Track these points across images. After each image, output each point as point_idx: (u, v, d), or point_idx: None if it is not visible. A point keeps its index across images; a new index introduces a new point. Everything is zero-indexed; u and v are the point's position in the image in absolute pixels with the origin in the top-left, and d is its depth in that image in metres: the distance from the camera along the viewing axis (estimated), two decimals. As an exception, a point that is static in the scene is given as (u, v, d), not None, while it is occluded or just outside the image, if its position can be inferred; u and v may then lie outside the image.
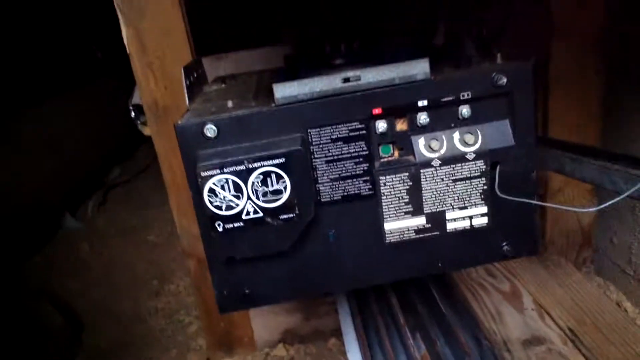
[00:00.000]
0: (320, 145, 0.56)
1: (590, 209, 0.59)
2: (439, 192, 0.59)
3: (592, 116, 1.00)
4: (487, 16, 1.00)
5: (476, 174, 0.58)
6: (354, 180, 0.58)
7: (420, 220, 0.60)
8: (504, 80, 0.55)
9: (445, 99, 0.55)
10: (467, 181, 0.58)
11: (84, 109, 1.98)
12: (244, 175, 0.54)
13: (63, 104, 1.91)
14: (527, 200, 0.57)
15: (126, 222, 1.77)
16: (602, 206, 0.56)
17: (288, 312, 1.10)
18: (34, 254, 1.61)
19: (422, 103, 0.55)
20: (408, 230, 0.60)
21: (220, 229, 0.56)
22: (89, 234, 1.72)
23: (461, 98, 0.56)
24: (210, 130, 0.54)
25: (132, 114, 1.01)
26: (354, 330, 0.97)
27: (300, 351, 1.08)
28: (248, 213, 0.55)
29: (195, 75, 0.70)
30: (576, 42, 0.95)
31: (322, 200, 0.58)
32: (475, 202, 0.59)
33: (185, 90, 0.63)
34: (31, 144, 1.67)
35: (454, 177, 0.58)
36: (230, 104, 0.58)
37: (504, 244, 0.61)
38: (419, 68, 0.55)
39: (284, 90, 0.55)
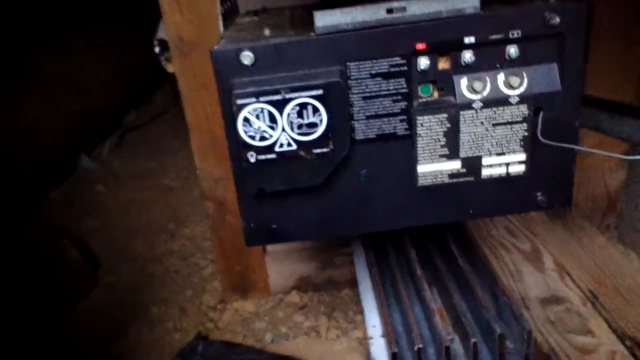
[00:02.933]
0: (359, 80, 0.54)
1: (631, 157, 0.57)
2: (477, 136, 0.57)
3: (631, 77, 0.97)
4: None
5: (518, 119, 0.56)
6: (391, 119, 0.56)
7: (455, 165, 0.58)
8: (557, 19, 0.52)
9: (494, 37, 0.53)
10: (507, 126, 0.56)
11: (103, 49, 1.95)
12: (280, 106, 0.52)
13: (82, 43, 1.88)
14: (570, 146, 0.55)
15: (142, 165, 1.77)
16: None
17: (303, 260, 1.10)
18: (50, 192, 1.62)
19: (469, 40, 0.53)
20: (442, 174, 0.59)
21: (252, 160, 0.54)
22: (104, 175, 1.72)
23: (510, 37, 0.53)
24: (247, 57, 0.52)
25: (156, 49, 0.98)
26: (369, 279, 0.97)
27: (313, 299, 1.09)
28: (282, 145, 0.54)
29: (228, 4, 0.67)
30: (624, -2, 0.91)
31: (357, 137, 0.57)
32: (514, 148, 0.58)
33: (219, 17, 0.60)
34: (49, 81, 1.65)
35: (494, 121, 0.56)
36: (267, 32, 0.56)
37: (539, 193, 0.60)
38: (469, 1, 0.52)
39: (325, 19, 0.52)
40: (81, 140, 1.78)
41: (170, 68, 0.97)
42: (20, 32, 1.76)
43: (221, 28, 0.61)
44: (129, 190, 1.61)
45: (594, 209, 1.07)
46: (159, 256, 1.27)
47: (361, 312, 1.01)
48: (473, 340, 0.74)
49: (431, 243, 0.99)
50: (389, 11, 0.52)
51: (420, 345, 0.75)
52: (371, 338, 0.85)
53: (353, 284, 1.08)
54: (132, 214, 1.47)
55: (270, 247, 1.08)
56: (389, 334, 0.80)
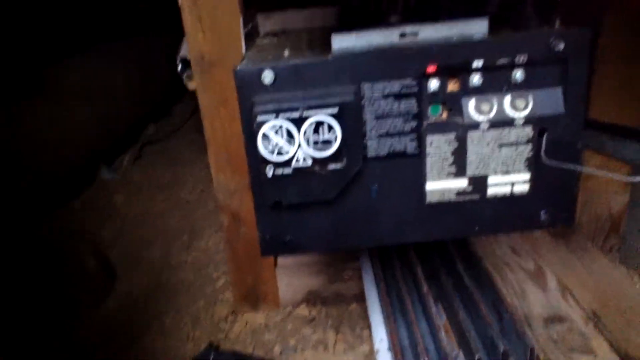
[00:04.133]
0: (372, 100, 0.58)
1: (636, 178, 0.59)
2: (483, 156, 0.60)
3: (635, 101, 0.99)
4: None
5: (523, 140, 0.59)
6: (401, 137, 0.59)
7: (462, 183, 0.61)
8: (562, 45, 0.55)
9: (501, 61, 0.56)
10: (513, 146, 0.59)
11: (125, 62, 2.01)
12: (298, 123, 0.56)
13: (105, 56, 1.94)
14: (573, 167, 0.58)
15: (160, 177, 1.81)
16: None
17: (313, 274, 1.12)
18: (71, 201, 1.66)
19: (477, 63, 0.56)
20: (449, 191, 0.62)
21: (270, 174, 0.58)
22: (123, 186, 1.76)
23: (516, 61, 0.56)
24: (267, 76, 0.56)
25: (179, 67, 1.03)
26: (377, 294, 0.99)
27: (322, 312, 1.11)
28: (298, 160, 0.57)
29: (250, 26, 0.71)
30: (629, 20, 0.93)
31: (369, 155, 0.60)
32: (518, 168, 0.60)
33: (242, 38, 0.64)
34: (72, 93, 1.70)
35: (500, 142, 0.59)
36: (286, 53, 0.60)
37: (542, 212, 0.62)
38: (478, 27, 0.55)
39: (341, 41, 0.56)
40: (102, 151, 1.83)
41: (191, 86, 1.02)
42: (45, 45, 1.82)
43: (243, 48, 0.64)
44: (146, 201, 1.65)
45: (597, 230, 1.09)
46: (173, 266, 1.30)
47: (368, 326, 1.03)
48: (477, 356, 0.76)
49: (437, 259, 1.01)
50: (402, 35, 0.56)
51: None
52: (378, 351, 0.87)
53: (361, 298, 1.10)
54: (148, 225, 1.51)
55: (280, 261, 1.10)
56: (396, 348, 0.82)
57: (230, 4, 0.89)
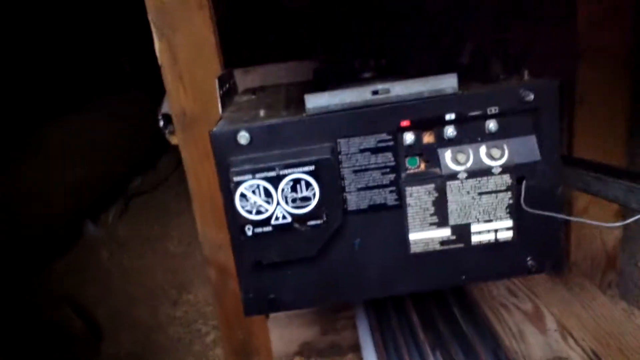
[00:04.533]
0: (349, 155, 0.58)
1: (616, 224, 0.59)
2: (464, 205, 0.60)
3: (618, 138, 1.00)
4: (513, 36, 1.02)
5: (502, 188, 0.59)
6: (381, 190, 0.59)
7: (445, 232, 0.61)
8: (531, 96, 0.56)
9: (473, 113, 0.57)
10: (492, 194, 0.59)
11: (109, 119, 2.02)
12: (275, 182, 0.56)
13: (89, 115, 1.96)
14: (552, 214, 0.57)
15: (146, 230, 1.79)
16: (628, 221, 0.56)
17: (306, 325, 1.10)
18: (55, 260, 1.64)
19: (450, 117, 0.57)
20: (433, 241, 0.61)
21: (249, 233, 0.57)
22: (109, 241, 1.74)
23: (488, 113, 0.57)
24: (243, 137, 0.56)
25: (161, 122, 1.04)
26: (372, 344, 0.97)
27: (317, 365, 1.08)
28: (277, 218, 0.57)
29: (227, 85, 0.72)
30: (603, 64, 0.96)
31: (349, 209, 0.59)
32: (500, 215, 0.60)
33: (218, 99, 0.65)
34: (56, 152, 1.71)
35: (479, 190, 0.59)
36: (262, 113, 0.60)
37: (529, 258, 0.62)
38: (448, 82, 0.56)
39: (315, 101, 0.56)
40: (86, 206, 1.81)
41: (173, 140, 1.02)
42: (27, 105, 1.83)
43: (220, 109, 0.65)
44: (133, 256, 1.63)
45: (594, 267, 1.08)
46: (161, 323, 1.27)
47: (365, 378, 1.00)
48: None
49: (433, 305, 1.00)
50: (375, 92, 0.56)
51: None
52: (375, 405, 0.85)
53: (357, 348, 1.07)
54: (135, 281, 1.48)
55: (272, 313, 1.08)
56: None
57: (210, 62, 0.90)
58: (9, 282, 1.42)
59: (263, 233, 0.57)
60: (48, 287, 1.48)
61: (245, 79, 0.99)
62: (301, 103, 0.57)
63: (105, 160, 1.90)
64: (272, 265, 0.59)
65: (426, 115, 0.56)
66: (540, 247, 0.61)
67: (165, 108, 1.03)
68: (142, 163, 2.24)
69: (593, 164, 0.84)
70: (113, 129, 2.01)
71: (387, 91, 0.56)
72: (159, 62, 0.92)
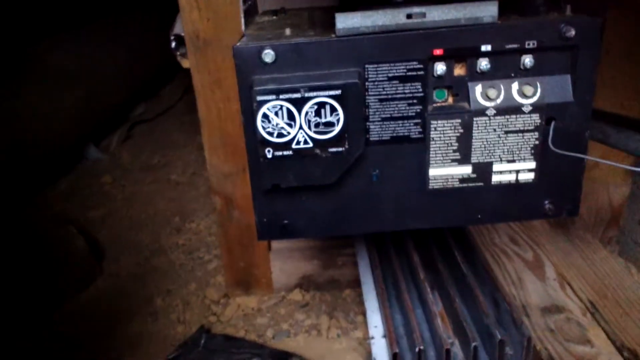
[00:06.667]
0: (376, 83, 0.56)
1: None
2: (489, 143, 0.58)
3: (637, 92, 0.98)
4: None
5: (530, 128, 0.57)
6: (405, 121, 0.57)
7: (466, 170, 0.60)
8: (572, 32, 0.54)
9: (510, 46, 0.54)
10: (519, 134, 0.58)
11: (114, 41, 1.96)
12: (299, 104, 0.54)
13: (93, 34, 1.90)
14: (580, 155, 0.56)
15: (149, 159, 1.78)
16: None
17: (307, 259, 1.11)
18: (58, 181, 1.63)
19: (486, 48, 0.54)
20: (452, 178, 0.60)
21: (269, 156, 0.56)
22: (111, 166, 1.73)
23: (526, 47, 0.54)
24: (268, 55, 0.54)
25: (172, 44, 1.00)
26: (372, 280, 0.98)
27: (315, 298, 1.10)
28: (298, 142, 0.55)
29: (249, 3, 0.68)
30: (632, 14, 0.92)
31: (371, 139, 0.58)
32: (524, 156, 0.59)
33: (241, 14, 0.62)
34: (58, 72, 1.66)
35: (506, 129, 0.57)
36: (287, 32, 0.57)
37: (547, 202, 0.61)
38: (487, 10, 0.53)
39: (346, 21, 0.53)
40: (89, 131, 1.79)
41: (185, 64, 0.99)
42: (31, 23, 1.77)
43: (243, 26, 0.62)
44: (135, 182, 1.62)
45: (597, 222, 1.09)
46: (163, 249, 1.28)
47: (362, 312, 1.02)
48: (473, 344, 0.75)
49: (434, 248, 1.00)
50: (409, 16, 0.53)
51: (421, 347, 0.76)
52: (372, 338, 0.87)
53: (355, 285, 1.09)
54: (138, 207, 1.48)
55: (274, 245, 1.09)
56: (391, 335, 0.81)
57: (227, -20, 0.86)
58: (12, 201, 1.42)
59: (283, 156, 0.56)
60: (51, 207, 1.48)
61: (263, 1, 0.95)
62: (329, 24, 0.55)
63: (108, 85, 1.86)
64: (289, 191, 0.59)
65: (461, 44, 0.54)
66: (560, 191, 0.61)
67: (177, 29, 0.99)
68: (146, 90, 2.19)
69: (612, 115, 0.82)
70: (118, 51, 1.95)
71: (422, 15, 0.53)
72: (174, -22, 0.87)
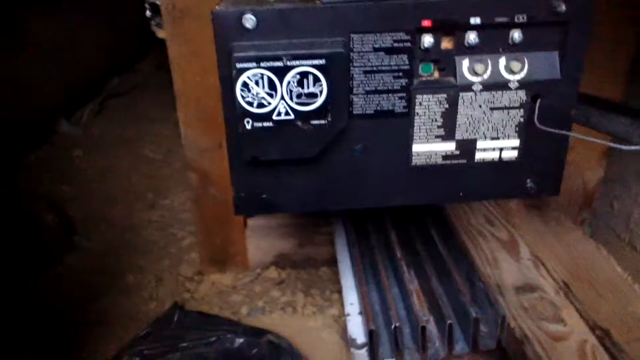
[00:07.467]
0: (361, 54, 0.54)
1: (630, 147, 0.58)
2: (474, 119, 0.57)
3: (618, 75, 0.98)
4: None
5: (515, 105, 0.57)
6: (390, 95, 0.56)
7: (450, 146, 0.59)
8: (563, 7, 0.53)
9: (499, 20, 0.53)
10: (504, 111, 0.57)
11: (88, 12, 1.88)
12: (281, 73, 0.52)
13: (67, 4, 1.81)
14: (566, 133, 0.56)
15: (122, 133, 1.73)
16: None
17: (283, 237, 1.10)
18: (27, 155, 1.57)
19: (475, 20, 0.53)
20: (436, 154, 0.59)
21: (248, 127, 0.53)
22: (83, 140, 1.67)
23: (515, 20, 0.53)
24: (249, 20, 0.51)
25: (147, 12, 0.95)
26: (349, 258, 0.98)
27: (291, 275, 1.09)
28: (279, 113, 0.53)
29: (230, -33, 0.65)
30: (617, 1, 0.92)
31: (355, 112, 0.56)
32: (508, 133, 0.58)
33: (221, -22, 0.59)
34: (29, 42, 1.59)
35: (492, 105, 0.57)
36: (270, -3, 0.55)
37: (529, 180, 0.61)
38: (478, -19, 0.52)
39: (332, -13, 0.51)
40: (60, 103, 1.72)
41: (160, 34, 0.95)
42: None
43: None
44: (108, 157, 1.57)
45: (571, 204, 1.10)
46: (136, 225, 1.25)
47: (338, 290, 1.02)
48: (448, 322, 0.75)
49: (412, 227, 1.00)
50: (398, -15, 0.52)
51: (397, 324, 0.76)
52: (348, 315, 0.86)
53: (331, 263, 1.09)
54: (110, 182, 1.44)
55: (250, 222, 1.07)
56: (367, 312, 0.81)
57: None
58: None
59: (263, 127, 0.54)
60: (20, 182, 1.42)
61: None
62: (314, -9, 0.52)
63: (81, 56, 1.79)
64: (268, 164, 0.57)
65: (450, 16, 0.52)
66: (543, 170, 0.60)
67: (152, -5, 0.95)
68: (120, 64, 2.12)
69: (593, 97, 0.82)
70: (91, 23, 1.87)
71: (412, -16, 0.51)
72: (149, -60, 0.83)
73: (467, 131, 0.58)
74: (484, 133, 0.58)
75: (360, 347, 0.79)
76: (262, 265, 1.11)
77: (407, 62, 0.54)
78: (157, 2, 0.91)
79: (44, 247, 1.12)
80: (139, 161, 1.55)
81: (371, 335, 0.76)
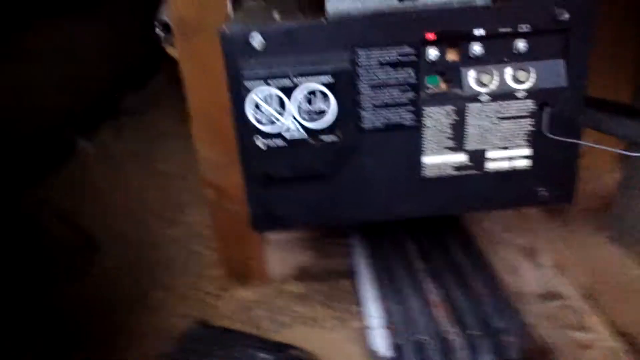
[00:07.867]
0: (368, 68, 0.55)
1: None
2: (483, 129, 0.57)
3: (626, 77, 0.97)
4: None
5: (524, 114, 0.57)
6: (398, 108, 0.56)
7: (460, 157, 0.59)
8: (566, 15, 0.53)
9: (503, 30, 0.53)
10: (513, 120, 0.57)
11: (102, 29, 1.93)
12: (289, 91, 0.53)
13: (82, 21, 1.86)
14: (575, 141, 0.56)
15: (139, 150, 1.75)
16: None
17: (302, 250, 1.11)
18: (48, 175, 1.61)
19: (479, 32, 0.53)
20: (447, 166, 0.59)
21: (259, 145, 0.55)
22: (101, 158, 1.71)
23: (519, 30, 0.53)
24: (256, 40, 0.53)
25: (157, 31, 0.97)
26: (368, 270, 0.98)
27: (311, 288, 1.09)
28: (290, 131, 0.54)
29: (237, -12, 0.67)
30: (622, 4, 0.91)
31: (364, 126, 0.57)
32: (518, 142, 0.58)
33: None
34: (49, 59, 1.63)
35: (500, 115, 0.57)
36: (276, 16, 0.56)
37: (540, 189, 0.60)
38: (480, -7, 0.52)
39: (336, 4, 0.52)
40: (77, 123, 1.76)
41: (171, 51, 0.97)
42: (10, 7, 1.73)
43: (230, 10, 0.60)
44: (126, 175, 1.60)
45: (591, 208, 1.08)
46: (156, 242, 1.27)
47: (359, 302, 1.02)
48: (471, 333, 0.75)
49: (428, 237, 1.00)
50: None
51: (424, 338, 0.76)
52: (370, 328, 0.86)
53: (351, 274, 1.08)
54: (129, 199, 1.46)
55: (270, 236, 1.08)
56: (391, 325, 0.81)
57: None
58: (3, 194, 1.40)
59: (274, 145, 0.55)
60: (44, 201, 1.46)
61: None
62: (319, 8, 0.53)
63: (98, 74, 1.83)
64: (282, 181, 0.58)
65: (454, 28, 0.53)
66: (555, 178, 0.60)
67: (163, 15, 0.97)
68: (135, 81, 2.16)
69: (604, 102, 0.81)
70: (106, 40, 1.92)
71: (415, -2, 0.52)
72: (160, -38, 0.85)
73: (476, 142, 0.58)
74: (493, 143, 0.58)
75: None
76: (282, 279, 1.11)
77: (413, 75, 0.55)
78: (168, 20, 0.93)
79: (66, 264, 1.15)
80: (156, 177, 1.58)
81: (398, 349, 0.76)
